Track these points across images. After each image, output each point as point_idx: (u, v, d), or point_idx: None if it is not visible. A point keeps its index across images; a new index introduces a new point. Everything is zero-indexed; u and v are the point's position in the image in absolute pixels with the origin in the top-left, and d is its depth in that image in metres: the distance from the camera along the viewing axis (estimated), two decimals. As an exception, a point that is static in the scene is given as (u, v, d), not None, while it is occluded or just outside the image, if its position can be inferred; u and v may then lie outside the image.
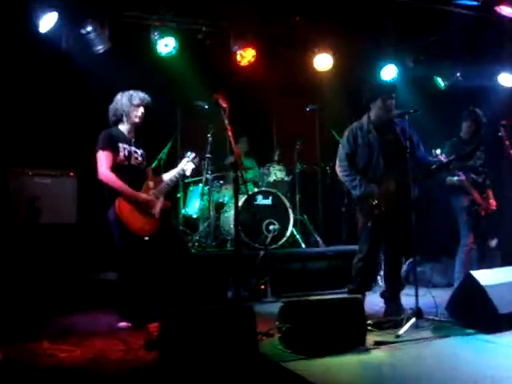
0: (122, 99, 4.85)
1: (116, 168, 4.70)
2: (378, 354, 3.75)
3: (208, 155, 7.00)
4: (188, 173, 5.11)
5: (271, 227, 6.70)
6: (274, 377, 3.37)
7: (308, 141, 8.16)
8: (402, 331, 4.12)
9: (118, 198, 4.64)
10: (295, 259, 6.70)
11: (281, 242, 6.81)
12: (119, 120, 4.87)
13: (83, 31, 6.06)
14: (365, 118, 4.96)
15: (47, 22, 5.75)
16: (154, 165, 6.26)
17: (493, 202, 5.94)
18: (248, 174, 7.60)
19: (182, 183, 7.45)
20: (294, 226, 7.05)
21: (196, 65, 7.21)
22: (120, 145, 4.76)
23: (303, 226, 7.51)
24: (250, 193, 6.82)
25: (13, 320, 4.48)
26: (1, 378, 3.36)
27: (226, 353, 3.33)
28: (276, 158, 7.70)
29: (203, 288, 5.51)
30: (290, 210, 6.97)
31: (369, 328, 4.17)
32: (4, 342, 4.00)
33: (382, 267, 5.47)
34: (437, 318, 4.46)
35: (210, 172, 7.06)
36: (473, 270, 4.82)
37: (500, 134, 5.96)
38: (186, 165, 5.07)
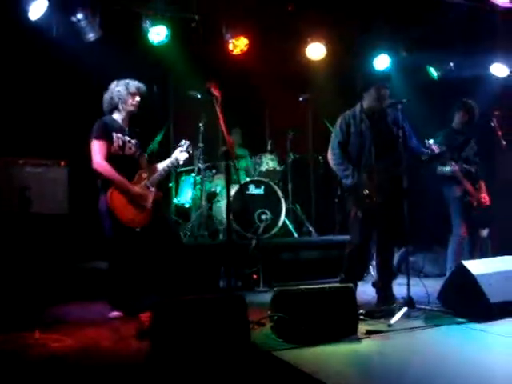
0: (117, 87, 4.83)
1: (110, 158, 4.69)
2: (369, 343, 3.77)
3: (200, 145, 6.98)
4: (181, 162, 5.09)
5: (263, 217, 6.71)
6: (266, 366, 3.37)
7: (300, 130, 8.14)
8: (393, 320, 4.14)
9: (110, 188, 4.63)
10: (287, 249, 6.71)
11: (273, 232, 6.82)
12: (114, 108, 4.85)
13: (74, 19, 6.01)
14: (358, 107, 4.95)
15: (37, 9, 5.67)
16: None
17: (485, 197, 5.95)
18: (240, 163, 7.58)
19: (174, 173, 7.43)
20: (286, 215, 7.05)
21: (188, 54, 7.17)
22: (114, 134, 4.74)
23: (295, 215, 7.52)
24: (242, 182, 6.82)
25: (4, 310, 4.46)
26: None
27: (218, 342, 3.33)
28: (268, 147, 7.69)
29: (195, 277, 5.51)
30: (283, 200, 6.97)
31: (361, 317, 4.19)
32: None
33: (374, 257, 5.48)
34: (428, 308, 4.48)
35: (202, 161, 7.04)
36: (464, 259, 4.84)
37: (492, 124, 5.96)
38: (180, 154, 5.05)
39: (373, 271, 6.38)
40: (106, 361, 3.49)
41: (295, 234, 7.15)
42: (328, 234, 7.54)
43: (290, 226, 7.18)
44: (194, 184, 7.20)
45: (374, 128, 4.87)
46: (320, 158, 7.75)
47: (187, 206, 7.37)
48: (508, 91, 7.11)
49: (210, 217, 7.11)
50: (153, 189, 4.87)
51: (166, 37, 6.61)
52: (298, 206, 7.56)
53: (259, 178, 7.09)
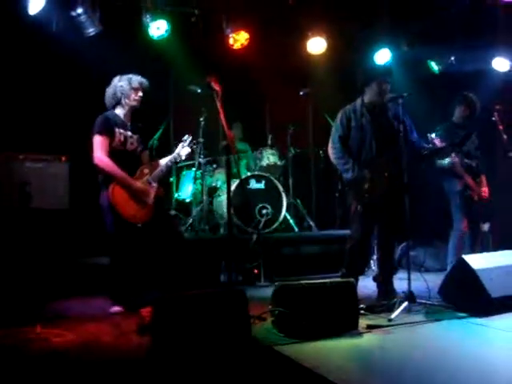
0: (120, 82, 4.82)
1: (112, 153, 4.69)
2: (370, 338, 3.77)
3: (201, 139, 6.97)
4: (183, 157, 5.09)
5: (264, 211, 6.70)
6: (267, 361, 3.37)
7: (301, 125, 8.12)
8: (394, 315, 4.13)
9: (111, 183, 4.63)
10: (288, 243, 6.71)
11: (274, 226, 6.81)
12: (117, 103, 4.85)
13: (74, 14, 5.98)
14: (358, 101, 4.93)
15: (36, 3, 5.65)
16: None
17: (486, 190, 5.94)
18: (242, 159, 7.57)
19: (175, 167, 7.42)
20: (287, 210, 7.05)
21: (188, 48, 7.16)
22: (116, 129, 4.74)
23: (296, 210, 7.51)
24: (242, 177, 6.81)
25: (5, 304, 4.47)
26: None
27: (219, 337, 3.34)
28: (269, 142, 7.67)
29: (196, 272, 5.52)
30: (283, 194, 6.96)
31: (361, 312, 4.19)
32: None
33: (375, 251, 5.48)
34: (429, 302, 4.47)
35: (202, 156, 7.04)
36: (465, 254, 4.83)
37: (494, 118, 5.95)
38: (182, 149, 5.04)
39: (374, 266, 6.38)
40: (107, 356, 3.50)
41: (296, 229, 7.15)
42: (329, 228, 7.54)
43: (291, 221, 7.17)
44: (195, 179, 7.19)
45: (375, 122, 4.86)
46: (321, 152, 7.74)
47: (188, 200, 7.37)
48: (509, 85, 7.08)
49: (211, 211, 7.11)
50: (155, 184, 4.87)
51: (166, 31, 6.60)
52: (298, 201, 7.55)
53: (260, 173, 7.08)
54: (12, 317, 4.27)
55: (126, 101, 4.82)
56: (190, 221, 6.94)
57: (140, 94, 4.85)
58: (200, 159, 7.04)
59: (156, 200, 4.85)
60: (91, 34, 6.10)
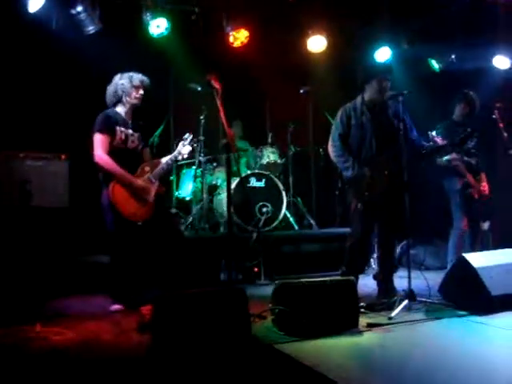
0: (121, 80, 4.82)
1: (112, 151, 4.69)
2: (370, 336, 3.77)
3: (201, 137, 6.96)
4: (185, 155, 5.08)
5: (264, 209, 6.70)
6: (267, 359, 3.37)
7: (301, 123, 8.11)
8: (394, 313, 4.13)
9: (112, 182, 4.63)
10: (288, 241, 6.70)
11: (274, 225, 6.81)
12: (118, 101, 4.84)
13: (73, 12, 5.98)
14: (359, 99, 4.93)
15: (36, 1, 5.65)
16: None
17: (485, 186, 5.93)
18: (242, 157, 7.57)
19: (175, 166, 7.42)
20: (287, 208, 7.05)
21: (188, 46, 7.14)
22: (117, 128, 4.74)
23: (296, 208, 7.51)
24: (243, 175, 6.81)
25: (5, 303, 4.47)
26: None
27: (219, 335, 3.33)
28: (269, 140, 7.67)
29: (196, 271, 5.51)
30: (283, 193, 6.96)
31: (362, 310, 4.19)
32: (-3, 325, 4.01)
33: (376, 249, 5.47)
34: (429, 300, 4.48)
35: (202, 154, 7.03)
36: (465, 252, 4.83)
37: (494, 116, 5.94)
38: (183, 148, 5.04)
39: (374, 264, 6.38)
40: (107, 354, 3.50)
41: (296, 227, 7.15)
42: (329, 226, 7.53)
43: (291, 219, 7.17)
44: (195, 177, 7.18)
45: (375, 120, 4.85)
46: (321, 150, 7.73)
47: (188, 198, 7.36)
48: (510, 83, 7.08)
49: (211, 210, 7.11)
50: (156, 182, 4.87)
51: (166, 29, 6.59)
52: (299, 199, 7.55)
53: (260, 171, 7.08)
54: (12, 315, 4.27)
55: (127, 99, 4.82)
56: (190, 219, 6.94)
57: (141, 91, 4.85)
58: (200, 157, 7.03)
59: (156, 198, 4.85)
60: (91, 32, 6.09)
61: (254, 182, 6.92)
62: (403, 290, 4.51)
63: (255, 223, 6.55)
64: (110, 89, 4.86)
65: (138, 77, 4.84)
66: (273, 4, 7.06)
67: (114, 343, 3.69)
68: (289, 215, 7.16)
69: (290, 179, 7.49)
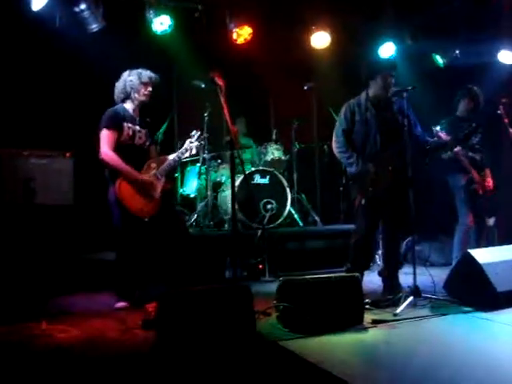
0: (130, 77, 4.83)
1: (119, 147, 4.70)
2: (375, 333, 3.77)
3: (205, 134, 6.95)
4: (194, 151, 5.09)
5: (269, 206, 6.69)
6: (272, 356, 3.37)
7: (305, 119, 8.09)
8: (399, 309, 4.13)
9: (118, 178, 4.64)
10: (293, 238, 6.70)
11: (278, 221, 6.80)
12: (126, 98, 4.85)
13: (77, 9, 5.98)
14: (363, 95, 4.91)
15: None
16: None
17: (490, 181, 5.90)
18: (246, 153, 7.56)
19: (179, 163, 7.41)
20: (291, 205, 7.03)
21: (192, 43, 7.13)
22: (125, 124, 4.75)
23: (301, 205, 7.50)
24: (247, 172, 6.80)
25: (10, 301, 4.48)
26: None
27: (224, 332, 3.33)
28: (273, 136, 7.66)
29: (201, 268, 5.51)
30: (288, 189, 6.95)
31: (367, 306, 4.18)
32: (2, 322, 4.01)
33: (380, 246, 5.46)
34: (434, 297, 4.47)
35: (207, 151, 7.02)
36: (471, 248, 4.82)
37: (499, 111, 5.91)
38: (190, 145, 5.04)
39: (379, 260, 6.37)
40: (112, 351, 3.50)
41: (301, 224, 7.14)
42: (333, 223, 7.52)
43: (296, 216, 7.16)
44: (200, 174, 7.18)
45: (380, 116, 4.83)
46: (325, 146, 7.71)
47: (192, 196, 7.36)
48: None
49: (216, 207, 7.11)
50: (162, 179, 4.87)
51: (169, 26, 6.58)
52: (303, 196, 7.54)
53: (264, 168, 7.07)
54: (17, 313, 4.28)
55: (136, 95, 4.83)
56: (195, 216, 6.94)
57: (149, 88, 4.86)
58: (204, 154, 7.03)
59: (163, 194, 4.86)
60: (94, 30, 6.09)
61: (258, 179, 6.91)
62: (408, 287, 4.50)
63: (260, 220, 6.54)
64: (119, 85, 4.87)
65: (146, 73, 4.85)
66: (276, 0, 7.05)
67: (118, 340, 3.69)
68: (293, 212, 7.15)
69: (295, 176, 7.48)
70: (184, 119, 7.78)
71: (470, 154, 5.83)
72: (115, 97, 4.89)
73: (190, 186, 7.42)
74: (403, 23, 7.56)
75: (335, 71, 7.88)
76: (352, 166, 4.77)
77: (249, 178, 6.78)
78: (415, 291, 4.35)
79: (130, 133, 4.77)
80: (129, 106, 4.88)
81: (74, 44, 6.01)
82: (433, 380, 2.88)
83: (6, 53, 5.99)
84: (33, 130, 6.04)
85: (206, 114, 6.95)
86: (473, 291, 4.30)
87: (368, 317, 3.98)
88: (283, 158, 7.41)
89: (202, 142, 5.14)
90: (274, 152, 7.35)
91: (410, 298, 4.28)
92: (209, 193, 6.96)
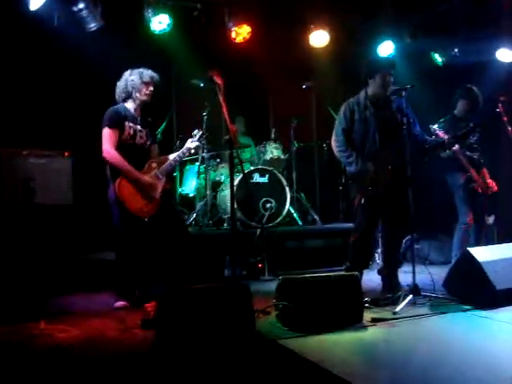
0: (131, 76, 4.83)
1: (120, 146, 4.70)
2: (375, 331, 3.76)
3: (204, 133, 6.94)
4: (192, 151, 5.10)
5: (268, 205, 6.68)
6: (271, 354, 3.37)
7: (304, 118, 8.08)
8: (399, 308, 4.13)
9: (119, 177, 4.63)
10: (292, 237, 6.70)
11: (278, 220, 6.79)
12: (128, 97, 4.85)
13: (75, 9, 5.96)
14: (362, 94, 4.91)
15: (37, -1, 5.64)
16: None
17: (492, 183, 5.89)
18: (245, 153, 7.56)
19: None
20: (290, 203, 7.03)
21: (190, 42, 7.13)
22: (126, 123, 4.75)
23: (300, 203, 7.50)
24: (246, 171, 6.80)
25: (9, 301, 4.48)
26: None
27: (223, 331, 3.33)
28: (272, 135, 7.65)
29: (200, 267, 5.51)
30: (287, 188, 6.95)
31: (366, 305, 4.18)
32: (1, 322, 4.01)
33: (380, 244, 5.46)
34: (434, 295, 4.47)
35: (206, 151, 7.02)
36: (470, 246, 4.82)
37: (498, 110, 5.91)
38: (191, 144, 5.05)
39: (378, 259, 6.37)
40: (112, 351, 3.50)
41: (300, 223, 7.14)
42: (333, 222, 7.53)
43: (295, 215, 7.16)
44: (199, 173, 7.18)
45: (379, 115, 4.83)
46: (324, 145, 7.72)
47: (191, 195, 7.36)
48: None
49: (215, 206, 7.10)
50: (163, 178, 4.87)
51: (168, 25, 6.57)
52: (302, 195, 7.54)
53: (263, 167, 7.07)
54: (16, 313, 4.28)
55: (137, 95, 4.83)
56: (194, 216, 6.94)
57: (151, 88, 4.86)
58: (203, 154, 7.02)
59: (163, 194, 4.86)
60: (93, 29, 6.08)
61: (257, 178, 6.91)
62: (408, 285, 4.50)
63: (259, 219, 6.54)
64: (120, 84, 4.87)
65: (148, 73, 4.85)
66: (275, -1, 7.06)
67: (118, 340, 3.69)
68: (292, 211, 7.15)
69: (294, 175, 7.48)
70: (183, 118, 7.78)
71: (468, 152, 5.82)
72: (116, 96, 4.89)
73: (189, 186, 7.42)
74: (402, 22, 7.56)
75: (334, 70, 7.88)
76: (351, 165, 4.77)
77: (248, 176, 6.78)
78: (415, 289, 4.36)
79: (131, 132, 4.78)
80: (130, 105, 4.88)
81: (72, 43, 6.00)
82: (432, 378, 2.88)
83: (5, 52, 5.99)
84: (32, 130, 6.03)
85: (204, 113, 6.94)
86: (472, 289, 4.31)
87: (367, 315, 3.98)
88: (282, 156, 7.41)
89: (204, 142, 5.14)
90: (273, 151, 7.34)
91: (410, 297, 4.28)
92: (208, 192, 6.96)
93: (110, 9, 6.21)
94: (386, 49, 7.55)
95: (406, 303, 4.21)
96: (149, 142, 4.96)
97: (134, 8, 6.52)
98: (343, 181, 7.15)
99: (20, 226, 5.00)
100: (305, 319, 3.69)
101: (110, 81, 4.98)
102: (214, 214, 7.05)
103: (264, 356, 3.30)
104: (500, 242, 5.91)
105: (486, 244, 5.61)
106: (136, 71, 4.85)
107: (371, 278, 5.28)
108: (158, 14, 6.50)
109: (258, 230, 6.22)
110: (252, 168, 7.03)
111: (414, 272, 4.40)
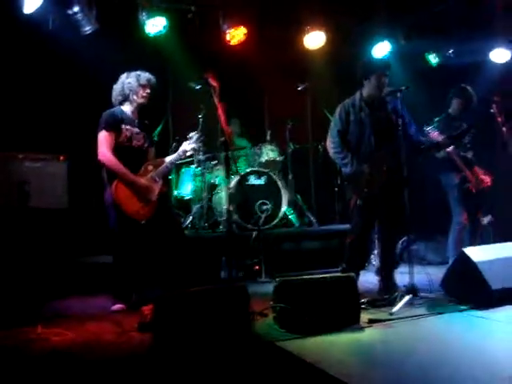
0: (128, 79, 4.83)
1: (116, 149, 4.69)
2: (372, 332, 3.77)
3: (200, 136, 6.93)
4: (188, 153, 5.09)
5: (264, 207, 6.69)
6: (269, 356, 3.37)
7: (300, 120, 8.09)
8: (396, 309, 4.13)
9: (115, 180, 4.62)
10: (289, 239, 6.70)
11: (274, 222, 6.79)
12: (125, 100, 4.85)
13: (70, 12, 5.95)
14: (357, 95, 4.92)
15: (32, 2, 5.62)
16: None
17: (486, 178, 5.91)
18: (240, 153, 7.55)
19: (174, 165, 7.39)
20: (287, 205, 7.03)
21: (185, 45, 7.13)
22: (123, 126, 4.75)
23: (296, 205, 7.50)
24: (242, 173, 6.80)
25: (5, 305, 4.46)
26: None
27: (220, 333, 3.33)
28: (268, 137, 7.65)
29: (197, 269, 5.50)
30: (283, 190, 6.95)
31: (363, 306, 4.19)
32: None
33: (376, 246, 5.47)
34: (431, 295, 4.48)
35: (202, 153, 7.01)
36: (465, 246, 4.82)
37: (492, 110, 5.93)
38: (187, 146, 5.04)
39: (374, 260, 6.37)
40: (109, 354, 3.49)
41: (296, 224, 7.14)
42: (329, 223, 7.52)
43: (291, 217, 7.16)
44: (195, 176, 7.17)
45: (374, 116, 4.84)
46: (320, 147, 7.72)
47: (187, 197, 7.35)
48: (507, 77, 7.06)
49: (211, 208, 7.09)
50: (159, 181, 4.86)
51: (163, 28, 6.56)
52: (298, 196, 7.54)
53: (260, 169, 7.06)
54: (12, 317, 4.26)
55: (134, 97, 4.83)
56: (190, 218, 6.93)
57: (148, 90, 4.86)
58: (199, 156, 7.01)
59: (160, 197, 4.85)
60: (88, 32, 6.07)
61: (253, 180, 6.91)
62: (405, 286, 4.50)
63: (255, 221, 6.54)
64: (117, 87, 4.86)
65: (145, 76, 4.85)
66: (270, 1, 7.04)
67: (115, 343, 3.68)
68: (288, 213, 7.14)
69: (290, 176, 7.48)
70: (179, 121, 7.76)
71: (462, 153, 5.84)
72: (113, 99, 4.88)
73: (185, 188, 7.40)
74: (396, 23, 7.58)
75: (329, 71, 7.89)
76: (347, 166, 4.78)
77: (244, 179, 6.78)
78: (412, 290, 4.36)
79: (128, 134, 4.77)
80: (127, 108, 4.87)
81: (67, 47, 5.99)
82: (430, 378, 2.88)
83: (0, 56, 5.97)
84: (27, 133, 6.01)
85: (200, 116, 6.94)
86: (468, 289, 4.32)
87: (364, 316, 3.98)
88: (278, 158, 7.40)
89: (200, 144, 5.13)
90: (268, 153, 7.34)
91: (407, 297, 4.28)
92: (204, 194, 6.95)
93: (105, 12, 6.19)
94: (381, 50, 7.56)
95: (404, 304, 4.21)
96: (146, 145, 4.96)
97: (128, 11, 6.50)
98: (339, 182, 7.15)
99: (15, 230, 4.99)
100: (302, 321, 3.69)
101: (106, 84, 4.97)
102: (210, 216, 7.03)
103: (262, 358, 3.30)
104: (495, 241, 5.91)
105: (482, 244, 5.61)
106: (133, 74, 4.85)
107: (368, 279, 5.29)
108: (152, 17, 6.49)
109: (255, 232, 6.22)
110: (248, 170, 7.02)
111: (411, 272, 4.40)
